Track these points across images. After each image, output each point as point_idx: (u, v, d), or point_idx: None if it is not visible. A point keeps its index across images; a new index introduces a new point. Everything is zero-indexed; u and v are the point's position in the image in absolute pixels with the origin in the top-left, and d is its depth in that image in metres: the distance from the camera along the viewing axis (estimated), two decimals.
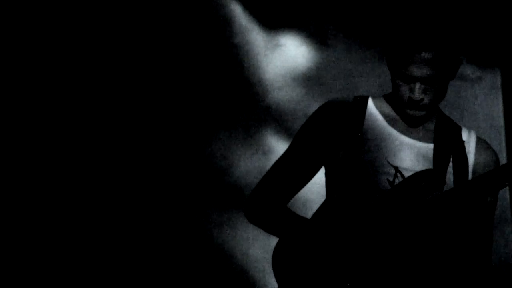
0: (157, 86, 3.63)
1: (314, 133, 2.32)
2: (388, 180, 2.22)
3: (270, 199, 2.32)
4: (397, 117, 2.29)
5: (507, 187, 3.71)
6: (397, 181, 2.21)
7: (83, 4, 3.55)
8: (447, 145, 2.25)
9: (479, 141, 2.34)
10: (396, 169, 2.23)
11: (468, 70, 3.78)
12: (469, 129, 2.35)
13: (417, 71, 2.14)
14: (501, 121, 3.81)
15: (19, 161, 3.44)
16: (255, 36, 3.75)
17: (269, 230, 2.32)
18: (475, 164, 2.29)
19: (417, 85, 2.15)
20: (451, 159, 2.24)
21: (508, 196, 3.71)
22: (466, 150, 2.29)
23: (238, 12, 3.74)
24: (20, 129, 3.45)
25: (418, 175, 2.17)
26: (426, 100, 2.19)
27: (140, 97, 3.61)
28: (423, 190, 2.16)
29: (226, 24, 3.73)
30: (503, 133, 3.83)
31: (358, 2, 3.75)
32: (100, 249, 3.48)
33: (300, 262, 2.17)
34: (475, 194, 2.12)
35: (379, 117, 2.29)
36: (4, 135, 3.44)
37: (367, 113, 2.30)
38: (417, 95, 2.16)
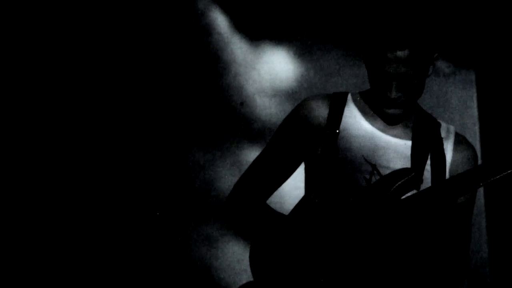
0: (141, 96, 3.63)
1: (293, 129, 2.31)
2: (365, 177, 2.21)
3: (249, 196, 2.32)
4: (375, 115, 2.27)
5: (483, 189, 3.79)
6: (374, 179, 2.20)
7: (74, 7, 3.56)
8: (425, 143, 2.24)
9: (458, 137, 2.32)
10: (374, 166, 2.22)
11: (442, 64, 3.79)
12: (448, 125, 2.34)
13: (393, 69, 2.13)
14: (475, 115, 3.84)
15: (19, 161, 3.46)
16: (237, 46, 3.75)
17: (248, 227, 2.32)
18: (452, 162, 2.27)
19: (394, 84, 2.14)
20: (429, 157, 2.23)
21: (483, 200, 3.72)
22: (444, 147, 2.27)
23: (221, 21, 3.73)
24: (19, 129, 3.47)
25: (395, 173, 2.15)
26: (403, 98, 2.17)
27: (124, 105, 3.61)
28: (400, 188, 2.13)
29: (208, 33, 3.72)
30: (477, 126, 3.85)
31: (343, 12, 3.75)
32: (94, 251, 3.50)
33: (276, 259, 2.17)
34: (451, 194, 2.10)
35: (358, 114, 2.28)
36: (4, 135, 3.46)
37: (345, 110, 2.29)
38: (394, 93, 2.16)
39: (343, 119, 2.28)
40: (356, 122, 2.27)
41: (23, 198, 3.46)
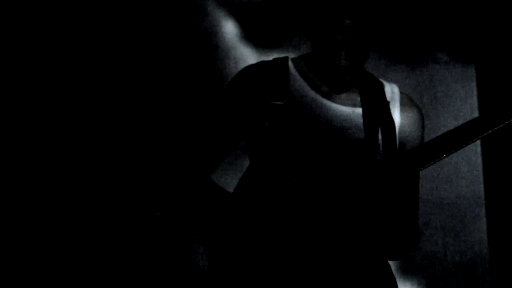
0: (145, 98, 3.59)
1: (234, 101, 2.19)
2: (316, 150, 2.11)
3: (191, 169, 2.20)
4: (319, 82, 2.19)
5: (483, 184, 3.78)
6: (327, 151, 2.11)
7: (74, 7, 3.54)
8: (374, 109, 2.15)
9: (403, 98, 2.23)
10: (325, 137, 2.13)
11: (441, 53, 3.77)
12: (391, 84, 2.26)
13: (341, 37, 2.08)
14: (475, 106, 3.80)
15: (19, 161, 3.44)
16: (245, 54, 3.72)
17: (192, 205, 2.18)
18: (401, 126, 2.18)
19: (343, 52, 2.10)
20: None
21: (482, 192, 3.73)
22: (392, 110, 2.19)
23: (229, 29, 3.71)
24: (19, 129, 3.45)
25: (349, 144, 2.10)
26: (351, 66, 2.12)
27: (129, 101, 3.58)
28: (355, 161, 2.08)
29: (216, 41, 3.70)
30: (476, 115, 3.83)
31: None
32: (94, 251, 3.48)
33: (236, 243, 2.08)
34: (409, 168, 2.00)
35: (302, 82, 2.19)
36: (4, 135, 3.44)
37: (290, 78, 2.19)
38: (343, 61, 2.09)
39: (287, 88, 2.17)
40: (302, 91, 2.18)
41: (23, 198, 3.44)
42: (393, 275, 2.20)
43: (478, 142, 3.80)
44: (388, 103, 2.17)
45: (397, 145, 2.17)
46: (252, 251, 2.06)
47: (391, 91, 2.24)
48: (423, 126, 2.25)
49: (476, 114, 3.81)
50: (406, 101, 2.24)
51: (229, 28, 3.70)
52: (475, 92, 3.83)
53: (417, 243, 2.21)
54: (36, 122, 3.48)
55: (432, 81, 3.75)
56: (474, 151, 3.77)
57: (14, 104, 3.46)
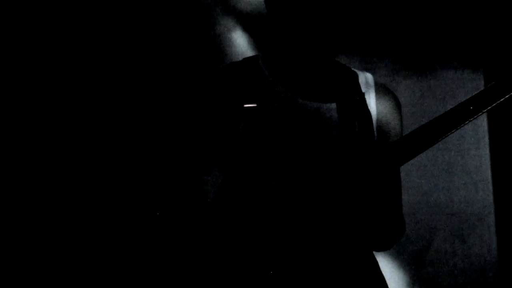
0: (151, 100, 3.58)
1: (207, 105, 2.13)
2: (292, 150, 2.05)
3: (175, 171, 2.16)
4: (291, 79, 2.12)
5: (492, 187, 3.78)
6: (303, 152, 2.04)
7: (79, 5, 3.54)
8: (349, 102, 2.07)
9: (378, 87, 2.18)
10: (300, 136, 2.06)
11: (449, 59, 3.76)
12: (365, 73, 2.20)
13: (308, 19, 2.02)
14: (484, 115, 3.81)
15: (19, 161, 3.43)
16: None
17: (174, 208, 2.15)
18: (378, 117, 2.13)
19: (310, 33, 2.03)
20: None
21: (491, 197, 3.72)
22: (367, 101, 2.13)
23: (240, 41, 3.71)
24: (20, 129, 3.45)
25: (325, 143, 2.04)
26: (318, 47, 2.06)
27: (137, 98, 3.57)
28: (332, 157, 2.02)
29: (221, 44, 3.66)
30: (485, 122, 3.83)
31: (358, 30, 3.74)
32: (94, 251, 3.47)
33: (216, 252, 2.04)
34: (389, 163, 1.95)
35: (274, 81, 2.12)
36: (4, 135, 3.44)
37: (261, 78, 2.12)
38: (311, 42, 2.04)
39: (260, 89, 2.10)
40: (275, 91, 2.10)
41: (22, 198, 3.44)
42: (381, 272, 2.16)
43: (487, 148, 3.79)
44: (363, 94, 2.10)
45: (375, 137, 2.12)
46: (236, 259, 2.02)
47: (365, 81, 2.18)
48: (400, 114, 2.19)
49: (485, 118, 3.81)
50: (382, 90, 2.18)
51: (238, 37, 3.71)
52: None
53: (402, 234, 2.17)
54: (36, 122, 3.47)
55: (441, 86, 3.76)
56: (483, 156, 3.77)
57: (14, 104, 3.46)
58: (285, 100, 2.09)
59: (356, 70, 2.20)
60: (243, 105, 2.08)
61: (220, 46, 3.70)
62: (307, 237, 1.99)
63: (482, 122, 3.80)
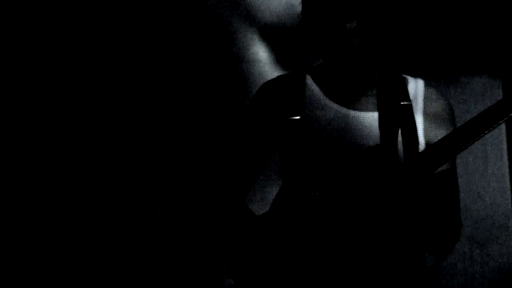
0: (175, 116, 3.59)
1: (254, 120, 2.15)
2: (335, 161, 2.05)
3: (225, 197, 2.15)
4: (337, 89, 2.12)
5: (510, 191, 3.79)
6: (345, 161, 2.04)
7: (81, 5, 3.53)
8: (393, 110, 2.04)
9: (428, 93, 2.15)
10: (343, 147, 2.06)
11: (470, 66, 3.76)
12: (416, 79, 2.17)
13: (348, 36, 2.00)
14: None
15: (19, 161, 3.42)
16: (273, 75, 3.68)
17: (228, 231, 2.12)
18: (426, 124, 2.11)
19: (352, 50, 2.02)
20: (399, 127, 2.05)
21: (510, 203, 3.70)
22: (414, 109, 2.09)
23: (262, 53, 3.70)
24: (20, 129, 3.43)
25: (366, 153, 2.02)
26: (361, 63, 2.05)
27: (142, 98, 3.57)
28: (374, 170, 2.00)
29: (243, 60, 3.67)
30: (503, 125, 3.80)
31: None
32: (94, 251, 3.45)
33: (259, 260, 2.03)
34: (430, 167, 1.92)
35: (319, 92, 2.13)
36: (4, 135, 3.43)
37: (306, 91, 2.14)
38: (354, 59, 2.03)
39: (305, 101, 2.12)
40: (320, 103, 2.12)
41: (22, 198, 3.43)
42: (432, 280, 2.16)
43: (505, 153, 3.78)
44: (410, 101, 2.06)
45: (423, 145, 2.09)
46: (281, 273, 2.02)
47: (415, 87, 2.16)
48: (452, 119, 2.16)
49: (503, 124, 3.81)
50: (430, 96, 2.15)
51: (260, 53, 3.70)
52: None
53: (458, 235, 2.14)
54: (36, 122, 3.46)
55: (460, 93, 3.75)
56: (502, 161, 3.75)
57: (14, 104, 3.45)
58: (330, 112, 2.10)
59: (407, 77, 2.18)
60: (289, 117, 2.10)
61: (241, 63, 3.70)
62: (354, 246, 1.98)
63: (501, 128, 3.79)
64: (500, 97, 3.82)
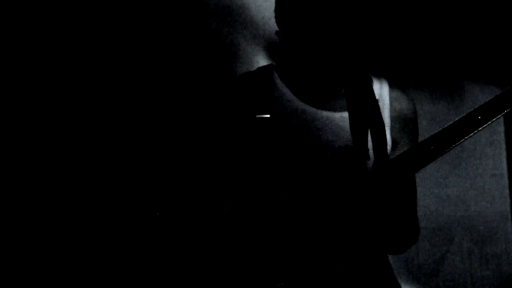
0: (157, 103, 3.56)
1: (224, 115, 2.12)
2: (305, 161, 2.03)
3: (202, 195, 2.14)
4: (306, 89, 2.10)
5: (508, 195, 3.68)
6: (315, 161, 2.03)
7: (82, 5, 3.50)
8: (361, 110, 1.98)
9: (392, 93, 2.15)
10: (313, 147, 2.05)
11: (477, 76, 3.77)
12: (380, 79, 2.16)
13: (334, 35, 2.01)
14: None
15: (19, 161, 3.40)
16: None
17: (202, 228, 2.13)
18: (392, 123, 2.11)
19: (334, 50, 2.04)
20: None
21: (509, 208, 3.71)
22: (381, 108, 2.08)
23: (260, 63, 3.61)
24: (20, 129, 3.41)
25: (338, 153, 2.02)
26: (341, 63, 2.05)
27: (142, 98, 3.55)
28: (346, 170, 2.00)
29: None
30: (502, 124, 3.84)
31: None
32: (93, 251, 3.44)
33: (224, 259, 2.05)
34: (402, 171, 1.91)
35: (287, 91, 2.10)
36: (4, 135, 3.41)
37: (275, 89, 2.11)
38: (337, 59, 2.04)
39: (274, 100, 2.09)
40: (288, 102, 2.09)
41: (23, 198, 3.42)
42: (395, 279, 2.15)
43: (504, 153, 3.78)
44: (376, 101, 2.00)
45: (390, 145, 2.09)
46: (249, 269, 2.01)
47: (380, 87, 2.15)
48: (415, 118, 2.15)
49: (502, 126, 3.82)
50: (395, 96, 2.15)
51: (260, 60, 3.68)
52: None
53: (416, 238, 2.16)
54: (36, 122, 3.45)
55: (467, 103, 3.75)
56: (500, 161, 3.76)
57: (14, 104, 3.43)
58: (298, 111, 2.10)
59: (372, 76, 2.18)
60: (256, 115, 2.07)
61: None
62: (319, 246, 1.98)
63: (499, 130, 3.81)
64: None
